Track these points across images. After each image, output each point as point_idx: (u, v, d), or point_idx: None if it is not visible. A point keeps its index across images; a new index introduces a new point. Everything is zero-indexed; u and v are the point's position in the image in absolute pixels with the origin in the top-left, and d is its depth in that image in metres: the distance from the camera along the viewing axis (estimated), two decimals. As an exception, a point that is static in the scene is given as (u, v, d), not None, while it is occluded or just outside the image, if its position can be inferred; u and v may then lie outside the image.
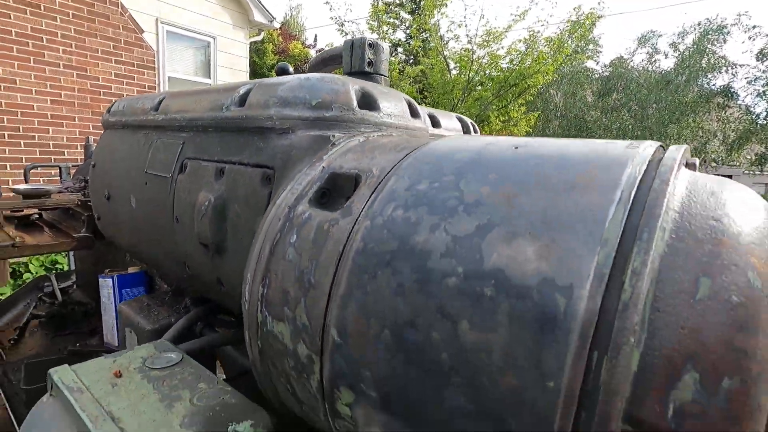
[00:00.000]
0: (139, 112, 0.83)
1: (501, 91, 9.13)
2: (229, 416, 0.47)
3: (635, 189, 0.33)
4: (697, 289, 0.28)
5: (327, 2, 10.06)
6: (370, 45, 0.77)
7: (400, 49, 17.13)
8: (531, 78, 8.92)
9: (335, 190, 0.46)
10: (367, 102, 0.55)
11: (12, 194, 2.03)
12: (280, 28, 18.01)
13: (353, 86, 0.54)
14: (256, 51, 15.46)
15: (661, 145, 0.42)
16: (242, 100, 0.57)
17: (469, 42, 9.05)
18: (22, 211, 1.95)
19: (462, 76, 9.19)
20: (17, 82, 4.69)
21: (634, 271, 0.28)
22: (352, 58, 0.76)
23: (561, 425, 0.27)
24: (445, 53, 9.53)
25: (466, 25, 9.48)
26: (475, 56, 9.04)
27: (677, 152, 0.38)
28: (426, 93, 10.50)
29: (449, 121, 0.91)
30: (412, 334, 0.35)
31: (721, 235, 0.29)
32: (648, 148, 0.39)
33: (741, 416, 0.26)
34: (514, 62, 9.22)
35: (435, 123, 0.88)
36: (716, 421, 0.26)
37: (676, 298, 0.28)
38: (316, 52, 18.90)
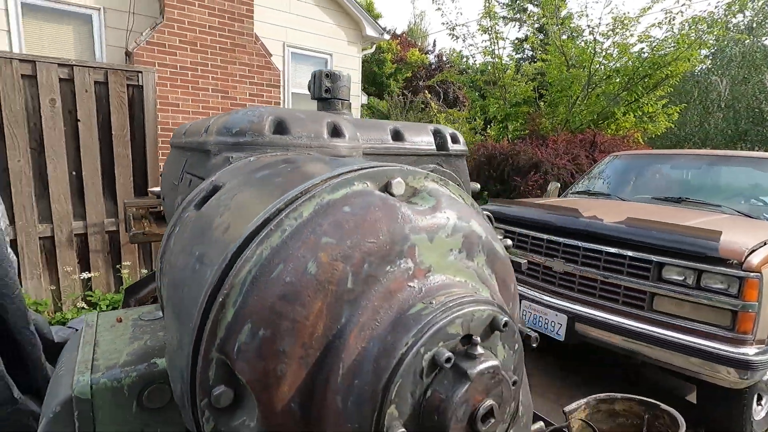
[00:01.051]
0: (179, 135, 1.12)
1: (630, 84, 8.12)
2: (161, 354, 0.67)
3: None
4: (272, 271, 0.38)
5: (439, 8, 10.29)
6: (326, 75, 0.92)
7: (526, 46, 16.36)
8: (669, 66, 7.74)
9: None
10: (280, 128, 0.70)
11: (152, 195, 2.68)
12: (400, 36, 18.80)
13: (269, 117, 0.70)
14: (376, 61, 16.41)
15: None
16: (206, 128, 0.78)
17: (591, 33, 8.26)
18: (157, 207, 2.56)
19: (582, 71, 8.43)
20: (180, 105, 5.91)
21: (246, 259, 0.39)
22: (314, 87, 0.92)
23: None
24: (563, 47, 8.86)
25: (587, 15, 8.65)
26: (598, 48, 8.21)
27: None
28: (544, 91, 9.89)
29: (418, 136, 1.00)
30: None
31: (312, 236, 0.39)
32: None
33: (267, 356, 0.35)
34: (647, 51, 8.11)
35: (398, 137, 0.97)
36: (252, 355, 0.36)
37: (262, 277, 0.38)
38: (435, 57, 19.22)
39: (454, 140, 1.06)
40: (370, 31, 7.94)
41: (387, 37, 8.71)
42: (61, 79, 3.61)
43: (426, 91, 13.49)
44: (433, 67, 17.38)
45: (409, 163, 0.99)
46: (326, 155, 0.73)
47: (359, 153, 0.80)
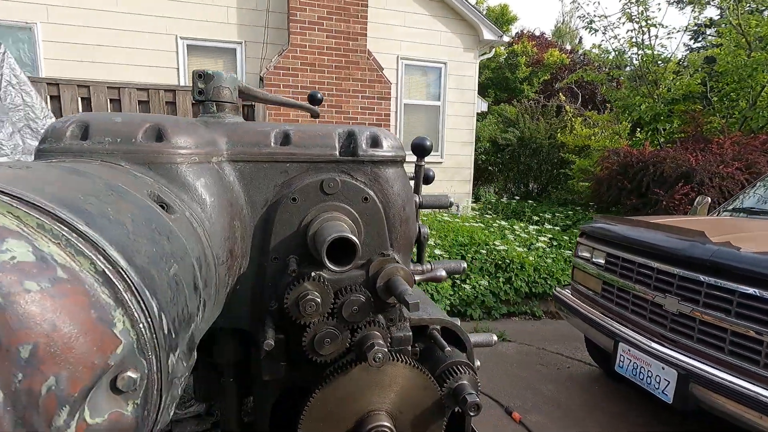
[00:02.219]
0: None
1: None
2: None
3: None
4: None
5: (574, 1, 9.20)
6: (199, 75, 0.83)
7: (710, 31, 13.55)
8: None
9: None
10: (84, 134, 0.65)
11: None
12: (538, 37, 17.50)
13: (75, 121, 0.65)
14: (509, 66, 15.60)
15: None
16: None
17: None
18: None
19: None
20: (300, 121, 6.52)
21: None
22: (192, 89, 0.84)
23: None
24: (743, 25, 7.00)
25: (779, -19, 6.62)
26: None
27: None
28: (713, 83, 7.99)
29: (314, 139, 0.84)
30: None
31: None
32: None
33: None
34: None
35: (286, 141, 0.83)
36: None
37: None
38: (581, 55, 17.32)
39: (374, 143, 0.86)
40: (487, 35, 7.57)
41: (507, 39, 8.18)
42: (167, 102, 4.30)
43: (560, 94, 12.25)
44: (576, 66, 15.70)
45: (300, 172, 0.84)
46: (140, 160, 0.65)
47: (204, 159, 0.70)
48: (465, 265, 1.13)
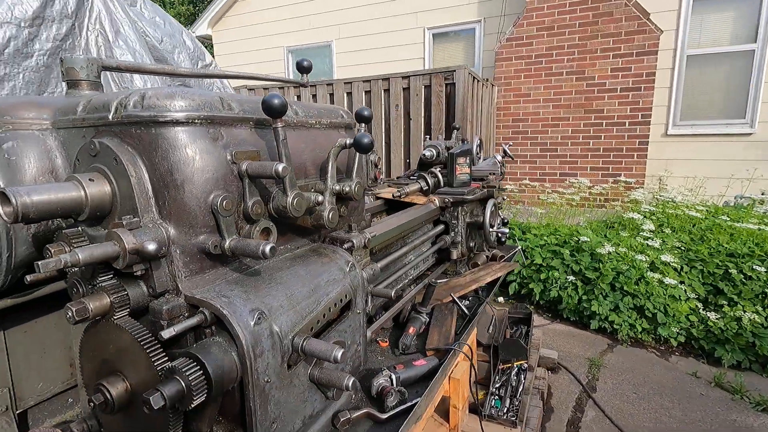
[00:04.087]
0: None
1: None
2: None
3: None
4: None
5: None
6: (60, 60, 1.00)
7: None
8: None
9: None
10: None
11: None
12: None
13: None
14: None
15: None
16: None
17: None
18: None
19: None
20: (531, 95, 5.94)
21: None
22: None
23: None
24: None
25: None
26: None
27: None
28: None
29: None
30: None
31: None
32: None
33: None
34: None
35: (88, 109, 0.91)
36: None
37: None
38: None
39: (143, 105, 0.83)
40: None
41: None
42: (403, 89, 4.71)
43: None
44: None
45: (91, 136, 0.90)
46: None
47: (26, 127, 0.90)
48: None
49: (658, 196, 4.93)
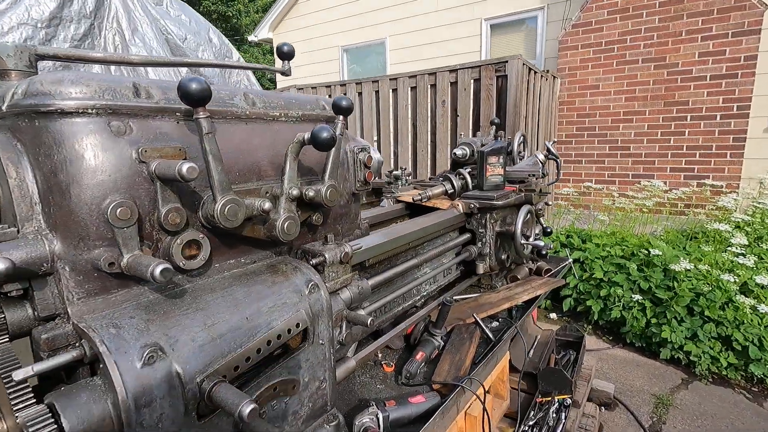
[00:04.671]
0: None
1: None
2: None
3: None
4: None
5: None
6: None
7: None
8: None
9: None
10: None
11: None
12: None
13: None
14: None
15: None
16: None
17: None
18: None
19: None
20: (600, 86, 5.31)
21: None
22: None
23: None
24: None
25: None
26: None
27: None
28: None
29: None
30: None
31: None
32: None
33: None
34: None
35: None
36: None
37: None
38: None
39: (32, 93, 0.70)
40: None
41: None
42: (450, 83, 4.41)
43: None
44: None
45: None
46: None
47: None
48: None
49: (757, 203, 4.12)
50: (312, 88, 5.50)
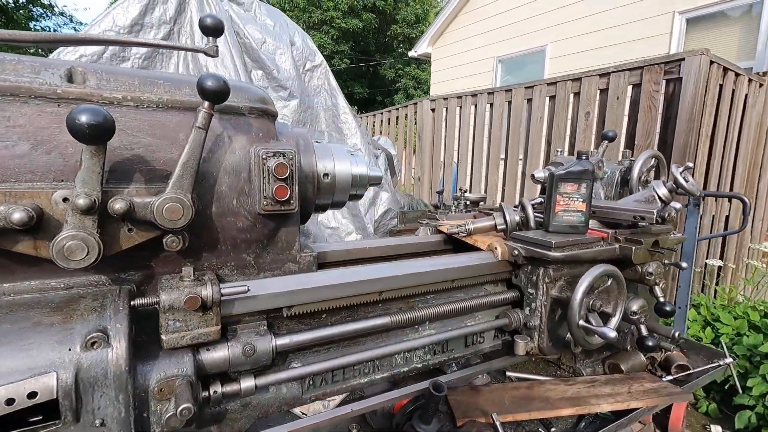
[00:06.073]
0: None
1: None
2: None
3: None
4: None
5: None
6: None
7: None
8: None
9: None
10: None
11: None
12: None
13: None
14: None
15: None
16: None
17: None
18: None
19: None
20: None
21: None
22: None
23: None
24: None
25: None
26: None
27: None
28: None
29: None
30: None
31: None
32: None
33: None
34: None
35: None
36: None
37: None
38: None
39: None
40: None
41: None
42: (599, 90, 3.49)
43: None
44: None
45: None
46: None
47: None
48: None
49: None
50: (457, 98, 5.08)
